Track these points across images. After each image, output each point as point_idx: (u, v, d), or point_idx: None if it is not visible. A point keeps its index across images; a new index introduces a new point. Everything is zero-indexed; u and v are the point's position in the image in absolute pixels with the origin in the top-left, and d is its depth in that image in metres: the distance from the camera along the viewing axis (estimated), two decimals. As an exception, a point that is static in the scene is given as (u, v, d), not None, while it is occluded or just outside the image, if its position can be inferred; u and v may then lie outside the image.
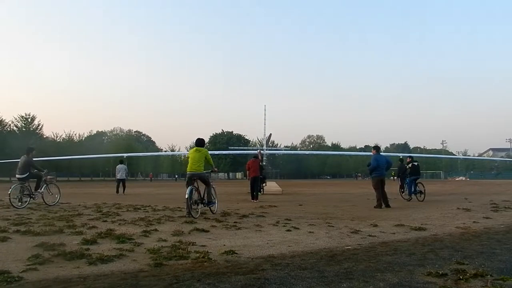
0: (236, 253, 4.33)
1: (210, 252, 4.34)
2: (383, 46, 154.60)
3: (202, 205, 8.27)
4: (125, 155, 52.71)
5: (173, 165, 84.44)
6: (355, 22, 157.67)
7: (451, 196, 16.59)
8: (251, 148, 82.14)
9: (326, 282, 3.14)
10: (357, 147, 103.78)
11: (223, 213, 8.60)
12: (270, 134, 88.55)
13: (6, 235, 5.37)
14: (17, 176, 10.56)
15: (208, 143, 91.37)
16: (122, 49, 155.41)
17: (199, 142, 8.87)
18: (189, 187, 8.02)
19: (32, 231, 5.75)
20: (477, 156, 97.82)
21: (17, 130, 56.73)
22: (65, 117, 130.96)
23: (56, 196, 11.05)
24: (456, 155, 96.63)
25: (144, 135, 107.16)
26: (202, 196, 8.30)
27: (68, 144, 63.61)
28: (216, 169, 9.41)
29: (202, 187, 8.45)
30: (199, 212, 8.02)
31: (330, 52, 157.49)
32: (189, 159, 8.60)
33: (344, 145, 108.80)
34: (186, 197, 7.81)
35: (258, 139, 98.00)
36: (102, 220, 7.37)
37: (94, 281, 3.23)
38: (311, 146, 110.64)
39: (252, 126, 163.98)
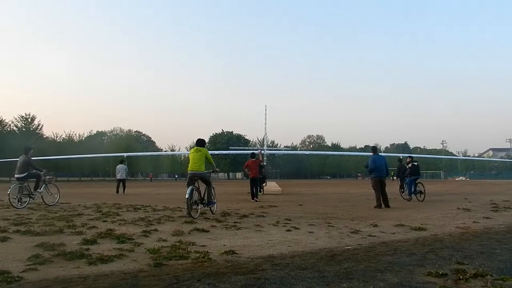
0: (236, 253, 4.33)
1: (210, 252, 4.34)
2: (383, 45, 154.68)
3: (202, 205, 8.27)
4: (125, 154, 52.65)
5: (173, 165, 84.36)
6: (355, 21, 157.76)
7: (451, 196, 16.59)
8: (251, 148, 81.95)
9: (326, 282, 3.14)
10: (357, 147, 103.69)
11: (223, 213, 8.60)
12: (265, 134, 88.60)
13: (6, 235, 5.37)
14: (16, 176, 10.56)
15: (208, 143, 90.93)
16: (122, 49, 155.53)
17: (199, 142, 8.86)
18: (190, 187, 8.01)
19: (32, 231, 5.75)
20: (477, 156, 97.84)
21: (17, 130, 56.73)
22: (65, 117, 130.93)
23: (56, 196, 11.04)
24: (456, 155, 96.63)
25: (144, 135, 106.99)
26: (202, 196, 8.30)
27: (68, 144, 63.54)
28: (217, 169, 9.39)
29: (202, 187, 8.46)
30: (198, 212, 8.02)
31: (330, 52, 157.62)
32: (190, 159, 8.59)
33: (344, 145, 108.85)
34: (187, 197, 7.79)
35: (258, 139, 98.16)
36: (102, 220, 7.37)
37: (94, 281, 3.23)
38: (311, 146, 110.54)
39: (252, 126, 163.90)
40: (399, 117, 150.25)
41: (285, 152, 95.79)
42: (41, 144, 52.32)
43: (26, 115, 57.32)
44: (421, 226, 6.51)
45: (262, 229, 6.29)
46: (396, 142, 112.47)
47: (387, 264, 3.79)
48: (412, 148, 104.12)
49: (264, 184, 18.51)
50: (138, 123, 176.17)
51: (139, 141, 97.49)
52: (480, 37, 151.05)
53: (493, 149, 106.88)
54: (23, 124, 57.28)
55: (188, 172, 8.47)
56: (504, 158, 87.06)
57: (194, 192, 8.05)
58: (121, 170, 18.54)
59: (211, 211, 8.58)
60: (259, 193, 15.22)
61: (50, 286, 3.10)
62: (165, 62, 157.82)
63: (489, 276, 3.33)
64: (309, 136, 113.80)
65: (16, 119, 57.00)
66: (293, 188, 27.38)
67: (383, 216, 8.42)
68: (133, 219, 7.45)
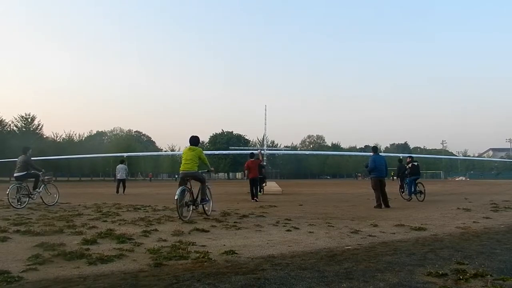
0: (236, 253, 4.32)
1: (210, 252, 4.33)
2: (383, 46, 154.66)
3: (193, 207, 7.83)
4: (125, 154, 52.64)
5: (173, 165, 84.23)
6: (355, 21, 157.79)
7: (451, 196, 16.59)
8: (251, 148, 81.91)
9: (326, 282, 3.14)
10: (357, 147, 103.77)
11: (223, 213, 8.57)
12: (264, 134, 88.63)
13: (6, 235, 5.37)
14: (15, 174, 10.60)
15: (208, 143, 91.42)
16: (122, 49, 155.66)
17: (193, 140, 8.37)
18: (180, 188, 7.59)
19: (32, 231, 5.75)
20: (477, 156, 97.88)
21: (17, 130, 56.73)
22: (65, 117, 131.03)
23: (55, 196, 11.03)
24: (456, 155, 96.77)
25: (144, 135, 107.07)
26: (195, 198, 7.91)
27: (68, 144, 63.58)
28: (212, 168, 8.92)
29: (197, 186, 8.12)
30: (190, 212, 7.64)
31: (330, 52, 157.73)
32: (182, 158, 8.22)
33: (344, 145, 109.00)
34: (176, 198, 7.31)
35: (258, 139, 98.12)
36: (102, 220, 7.37)
37: (94, 281, 3.23)
38: (311, 146, 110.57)
39: (252, 126, 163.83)
40: (399, 117, 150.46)
41: (285, 152, 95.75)
42: (41, 144, 52.36)
43: (26, 115, 57.47)
44: (421, 226, 6.51)
45: (262, 229, 6.29)
46: (396, 142, 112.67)
47: (387, 264, 3.79)
48: (412, 148, 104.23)
49: (264, 184, 18.51)
50: (138, 123, 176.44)
51: (139, 141, 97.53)
52: (480, 37, 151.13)
53: (493, 149, 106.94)
54: (23, 124, 57.30)
55: (180, 172, 8.12)
56: (504, 158, 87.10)
57: (185, 193, 7.70)
58: (121, 170, 18.57)
59: (204, 210, 8.16)
60: (259, 193, 15.22)
61: (50, 286, 3.10)
62: (166, 62, 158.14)
63: (489, 276, 3.32)
64: (309, 136, 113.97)
65: (16, 119, 57.14)
66: (293, 188, 27.37)
67: (383, 216, 8.42)
68: (133, 219, 7.45)
